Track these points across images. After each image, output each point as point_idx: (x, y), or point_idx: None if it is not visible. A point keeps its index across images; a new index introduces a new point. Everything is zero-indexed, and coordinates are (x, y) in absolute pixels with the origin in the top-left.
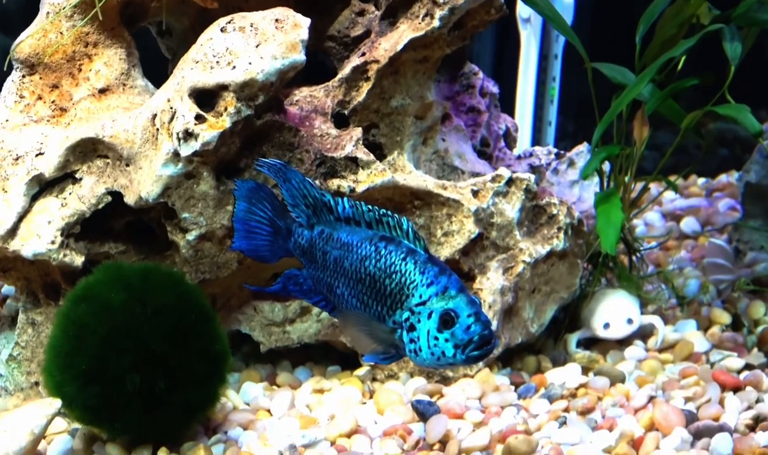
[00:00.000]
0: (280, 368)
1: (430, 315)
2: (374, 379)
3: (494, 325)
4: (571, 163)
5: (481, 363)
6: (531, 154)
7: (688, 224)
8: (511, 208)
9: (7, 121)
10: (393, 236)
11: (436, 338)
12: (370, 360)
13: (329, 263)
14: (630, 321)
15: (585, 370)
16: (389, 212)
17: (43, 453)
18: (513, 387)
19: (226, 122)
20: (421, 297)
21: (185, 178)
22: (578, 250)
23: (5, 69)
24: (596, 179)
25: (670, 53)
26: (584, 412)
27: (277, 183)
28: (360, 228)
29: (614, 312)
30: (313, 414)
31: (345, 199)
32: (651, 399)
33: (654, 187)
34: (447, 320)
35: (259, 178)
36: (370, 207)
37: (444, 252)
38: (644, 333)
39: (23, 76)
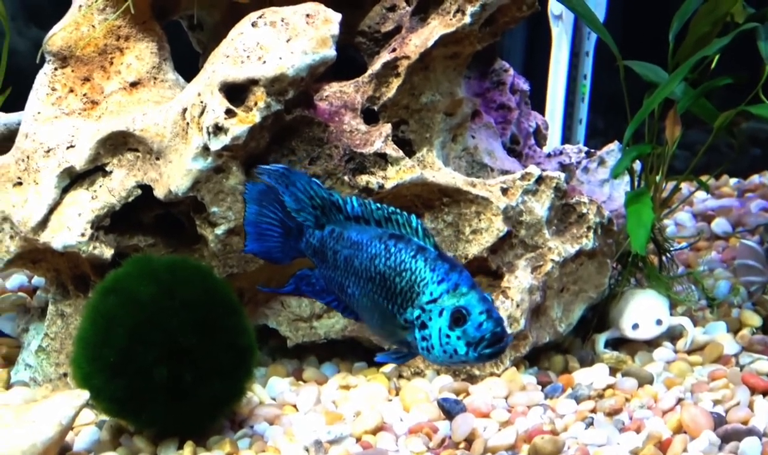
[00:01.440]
0: (306, 363)
1: (441, 313)
2: (400, 376)
3: (522, 324)
4: (602, 162)
5: (507, 362)
6: (561, 152)
7: (719, 225)
8: (540, 207)
9: (39, 113)
10: (403, 234)
11: (448, 336)
12: (383, 360)
13: (340, 262)
14: (659, 322)
15: (613, 371)
16: (398, 210)
17: (70, 444)
18: (540, 387)
19: (255, 117)
20: (431, 294)
21: (214, 172)
22: (608, 250)
23: (38, 61)
24: (627, 178)
25: (704, 51)
26: (611, 413)
27: (279, 189)
28: (369, 226)
29: (643, 312)
30: (339, 410)
31: (353, 197)
32: (679, 401)
33: (685, 187)
34: (458, 317)
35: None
36: (378, 205)
37: (472, 249)
38: (673, 335)
39: (55, 69)
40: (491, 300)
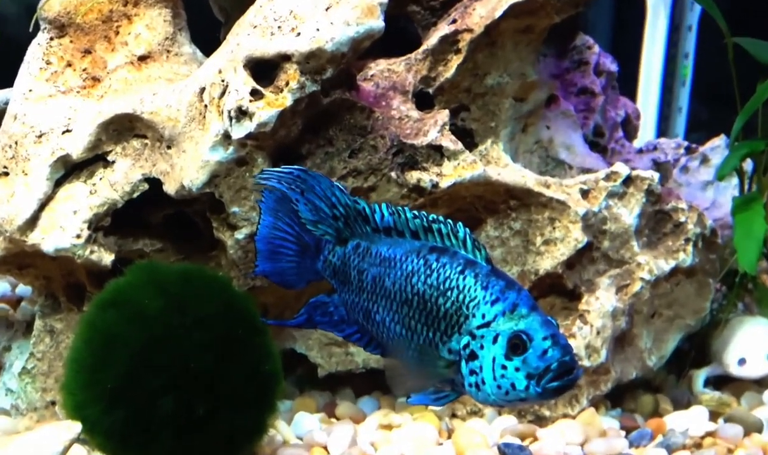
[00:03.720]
0: (340, 396)
1: (495, 339)
2: (453, 415)
3: (603, 355)
4: (705, 160)
5: (584, 402)
6: (655, 148)
7: None
8: (628, 213)
9: (30, 91)
10: (447, 246)
11: (504, 367)
12: (418, 402)
13: (366, 283)
14: None
15: (713, 415)
16: (441, 218)
17: None
18: (624, 433)
19: (287, 99)
20: (484, 317)
21: (236, 164)
22: (710, 267)
23: (30, 30)
24: (735, 180)
25: None
26: None
27: (292, 198)
28: (404, 239)
29: (752, 345)
30: (379, 454)
31: (384, 205)
32: None
33: None
34: (517, 344)
35: (323, 166)
36: (416, 213)
37: (544, 264)
38: None
39: (51, 39)
40: (557, 324)
